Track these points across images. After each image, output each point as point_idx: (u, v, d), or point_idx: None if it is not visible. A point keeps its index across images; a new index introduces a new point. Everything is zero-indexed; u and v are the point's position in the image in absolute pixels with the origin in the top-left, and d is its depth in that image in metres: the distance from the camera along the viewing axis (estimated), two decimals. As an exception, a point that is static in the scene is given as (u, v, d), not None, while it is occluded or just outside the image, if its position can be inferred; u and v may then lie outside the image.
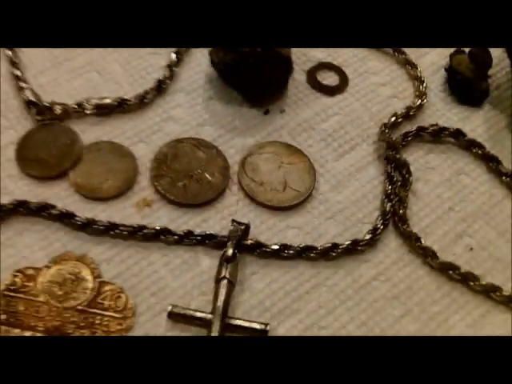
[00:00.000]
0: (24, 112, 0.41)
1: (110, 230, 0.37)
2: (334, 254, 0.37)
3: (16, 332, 0.34)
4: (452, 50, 0.46)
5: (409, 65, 0.46)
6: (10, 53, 0.43)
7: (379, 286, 0.36)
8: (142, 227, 0.37)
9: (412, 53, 0.47)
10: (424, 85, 0.45)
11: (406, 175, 0.40)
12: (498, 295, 0.36)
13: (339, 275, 0.37)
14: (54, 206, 0.37)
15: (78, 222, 0.37)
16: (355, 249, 0.37)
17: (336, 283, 0.36)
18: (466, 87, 0.45)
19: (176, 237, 0.37)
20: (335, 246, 0.37)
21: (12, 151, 0.40)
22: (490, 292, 0.36)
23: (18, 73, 0.42)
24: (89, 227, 0.37)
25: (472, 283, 0.37)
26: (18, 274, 0.36)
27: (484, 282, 0.37)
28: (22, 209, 0.37)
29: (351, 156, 0.42)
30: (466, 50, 0.45)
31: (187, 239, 0.37)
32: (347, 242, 0.37)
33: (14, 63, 0.43)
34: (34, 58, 0.44)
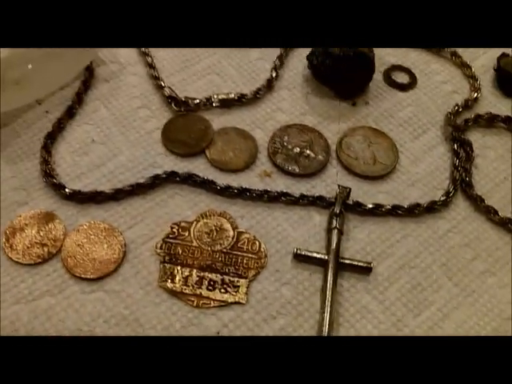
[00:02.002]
0: (163, 105, 0.52)
1: (242, 194, 0.46)
2: (416, 211, 0.46)
3: (178, 268, 0.43)
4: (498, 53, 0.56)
5: (464, 66, 0.56)
6: (149, 58, 0.53)
7: (453, 237, 0.46)
8: (267, 191, 0.46)
9: (466, 57, 0.57)
10: (478, 82, 0.55)
11: (470, 151, 0.49)
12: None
13: (422, 228, 0.46)
14: (197, 175, 0.47)
15: (218, 187, 0.46)
16: (433, 208, 0.47)
17: (420, 234, 0.46)
18: (512, 83, 0.55)
19: (293, 198, 0.46)
20: (418, 205, 0.46)
21: (158, 135, 0.50)
22: (542, 240, 0.46)
23: (156, 74, 0.52)
24: (226, 191, 0.46)
25: (527, 234, 0.46)
26: (175, 226, 0.45)
27: (538, 233, 0.46)
28: (172, 178, 0.47)
29: (424, 138, 0.51)
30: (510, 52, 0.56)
31: (302, 200, 0.46)
32: (427, 202, 0.47)
33: (152, 66, 0.53)
34: (165, 63, 0.55)
